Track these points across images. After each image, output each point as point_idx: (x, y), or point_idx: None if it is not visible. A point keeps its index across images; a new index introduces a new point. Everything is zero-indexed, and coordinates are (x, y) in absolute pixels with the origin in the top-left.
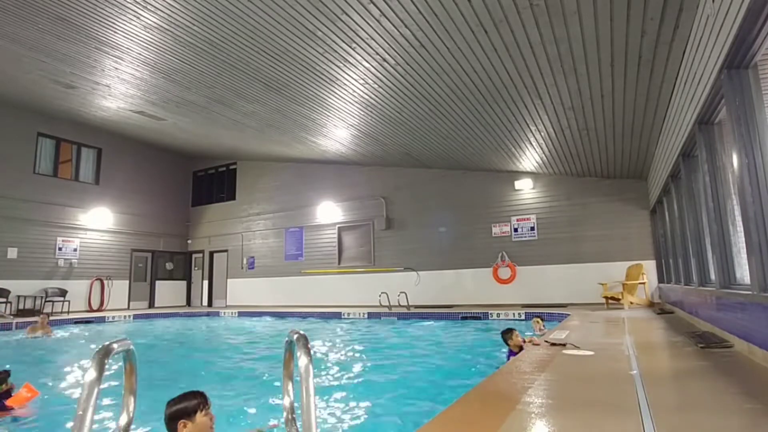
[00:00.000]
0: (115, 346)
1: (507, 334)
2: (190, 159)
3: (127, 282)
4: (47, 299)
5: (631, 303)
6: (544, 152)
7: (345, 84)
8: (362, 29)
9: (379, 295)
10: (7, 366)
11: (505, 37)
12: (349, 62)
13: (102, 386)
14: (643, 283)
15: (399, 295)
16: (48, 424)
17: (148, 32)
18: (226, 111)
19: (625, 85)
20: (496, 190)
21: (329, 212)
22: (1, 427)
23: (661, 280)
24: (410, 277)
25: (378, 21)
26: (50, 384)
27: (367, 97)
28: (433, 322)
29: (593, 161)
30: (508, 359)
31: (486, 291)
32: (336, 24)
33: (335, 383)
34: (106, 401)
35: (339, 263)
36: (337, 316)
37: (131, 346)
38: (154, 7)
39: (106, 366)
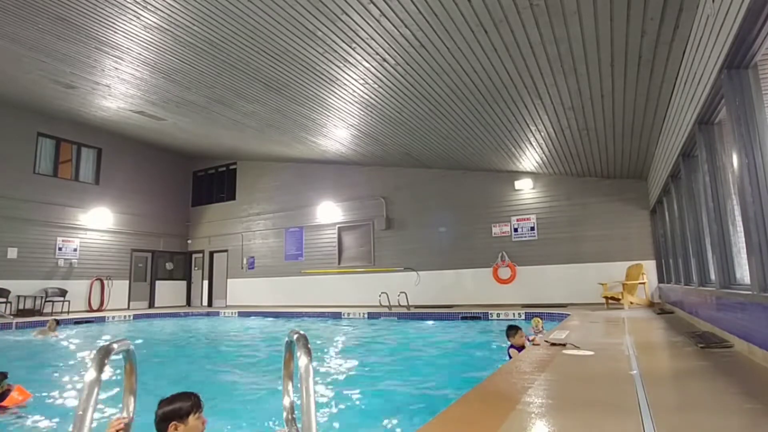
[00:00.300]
0: (115, 346)
1: (512, 330)
2: (190, 159)
3: (127, 282)
4: (47, 299)
5: (631, 303)
6: (544, 152)
7: (345, 84)
8: (362, 29)
9: (379, 295)
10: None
11: (505, 37)
12: (349, 62)
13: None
14: (643, 283)
15: (399, 295)
16: (44, 424)
17: (148, 32)
18: (226, 111)
19: (625, 85)
20: (496, 190)
21: (329, 212)
22: None
23: (661, 280)
24: (410, 277)
25: (378, 21)
26: (49, 384)
27: (367, 97)
28: (433, 322)
29: (593, 161)
30: (509, 355)
31: (486, 291)
32: (336, 24)
33: (335, 383)
34: (106, 402)
35: (339, 263)
36: (337, 316)
37: (131, 346)
38: (154, 7)
39: (106, 366)
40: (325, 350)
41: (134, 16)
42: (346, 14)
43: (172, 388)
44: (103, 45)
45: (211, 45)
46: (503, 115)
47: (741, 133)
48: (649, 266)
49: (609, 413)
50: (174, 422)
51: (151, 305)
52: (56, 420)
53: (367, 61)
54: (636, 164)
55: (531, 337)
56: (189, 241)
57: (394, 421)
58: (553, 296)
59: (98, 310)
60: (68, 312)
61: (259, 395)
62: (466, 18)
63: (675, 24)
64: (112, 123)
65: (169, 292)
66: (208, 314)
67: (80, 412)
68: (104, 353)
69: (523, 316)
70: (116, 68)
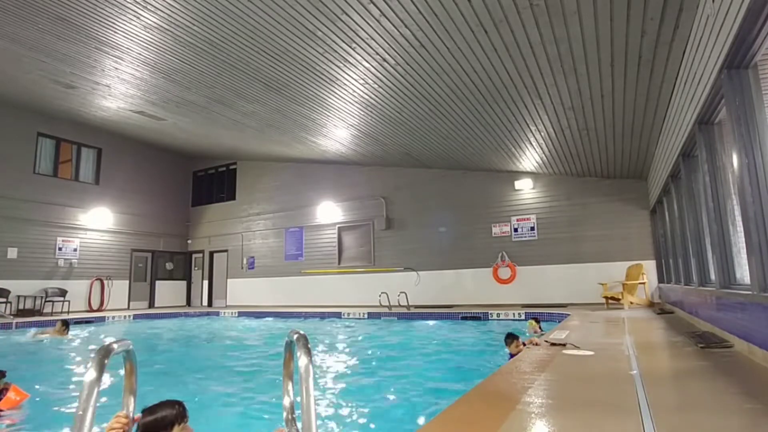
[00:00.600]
0: (115, 346)
1: (509, 339)
2: (190, 159)
3: (127, 282)
4: (47, 299)
5: (631, 303)
6: (544, 152)
7: (345, 84)
8: (362, 29)
9: (379, 295)
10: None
11: (505, 37)
12: (349, 62)
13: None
14: (643, 283)
15: (399, 295)
16: (40, 424)
17: (148, 32)
18: (226, 111)
19: (625, 85)
20: (496, 190)
21: (329, 212)
22: None
23: (661, 280)
24: (410, 277)
25: (378, 21)
26: (48, 385)
27: (367, 97)
28: (433, 322)
29: (593, 161)
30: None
31: (486, 291)
32: (336, 24)
33: (335, 383)
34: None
35: (339, 263)
36: (337, 316)
37: (131, 346)
38: (154, 7)
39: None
40: (325, 350)
41: (134, 16)
42: (346, 14)
43: (172, 388)
44: (103, 45)
45: (211, 45)
46: (503, 115)
47: (741, 133)
48: (649, 266)
49: (609, 413)
50: None
51: (151, 305)
52: (56, 420)
53: (367, 61)
54: (636, 164)
55: (527, 340)
56: (189, 241)
57: (395, 421)
58: (553, 296)
59: (98, 310)
60: (68, 312)
61: (259, 395)
62: (466, 18)
63: (675, 24)
64: (112, 123)
65: (169, 292)
66: (208, 314)
67: (80, 412)
68: (104, 353)
69: (523, 316)
70: (116, 68)
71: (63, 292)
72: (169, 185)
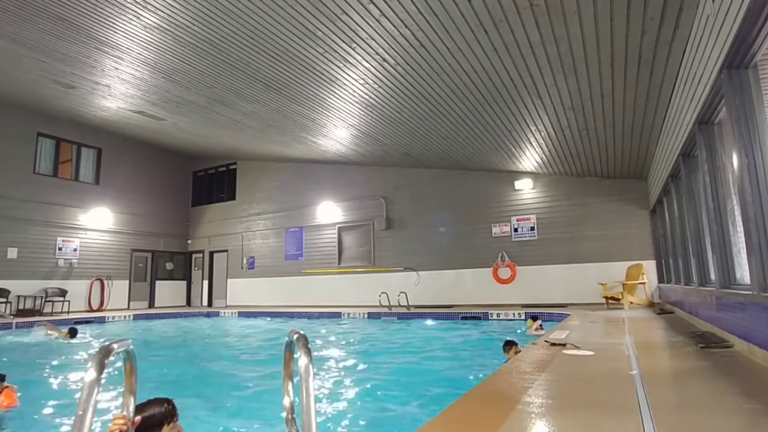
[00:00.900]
0: (115, 346)
1: (508, 346)
2: (190, 159)
3: (127, 282)
4: (47, 299)
5: (631, 303)
6: (544, 152)
7: (345, 84)
8: (362, 29)
9: (379, 295)
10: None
11: (505, 37)
12: (349, 62)
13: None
14: (643, 283)
15: (399, 295)
16: (40, 424)
17: (148, 32)
18: (226, 111)
19: (625, 85)
20: (496, 190)
21: (329, 212)
22: None
23: (661, 280)
24: (410, 277)
25: (378, 21)
26: (47, 384)
27: (367, 97)
28: (433, 322)
29: (593, 161)
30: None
31: (486, 291)
32: (336, 24)
33: (335, 383)
34: (106, 401)
35: (339, 263)
36: (337, 316)
37: (131, 346)
38: (154, 7)
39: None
40: (325, 350)
41: (134, 16)
42: (346, 14)
43: (172, 388)
44: (103, 45)
45: (211, 45)
46: (503, 115)
47: (741, 133)
48: (649, 266)
49: (609, 413)
50: None
51: (151, 305)
52: (56, 420)
53: (367, 61)
54: (636, 164)
55: (530, 331)
56: (189, 241)
57: (394, 421)
58: (553, 296)
59: (98, 310)
60: (68, 312)
61: (259, 395)
62: (466, 18)
63: (675, 24)
64: (112, 123)
65: (169, 292)
66: (208, 314)
67: (80, 412)
68: (104, 353)
69: (523, 316)
70: (116, 68)
71: (63, 292)
72: (169, 185)
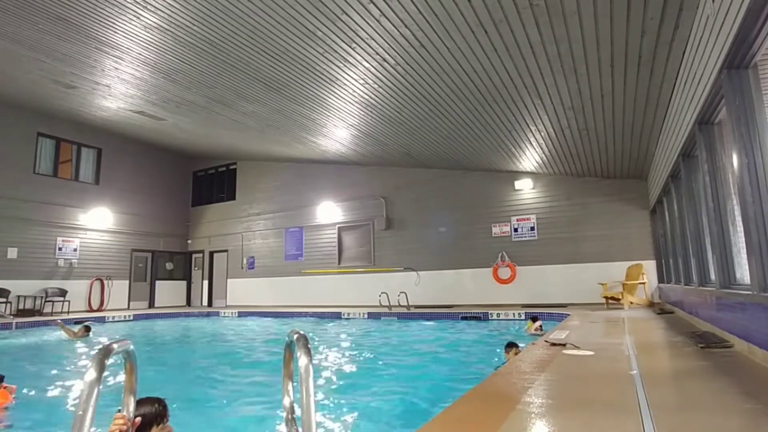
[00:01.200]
0: (115, 346)
1: (509, 347)
2: (190, 159)
3: (127, 282)
4: (47, 299)
5: (631, 303)
6: (544, 152)
7: (345, 84)
8: (362, 29)
9: (379, 295)
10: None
11: (505, 37)
12: (349, 62)
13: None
14: (643, 283)
15: (399, 295)
16: (39, 424)
17: (148, 32)
18: (226, 111)
19: (625, 85)
20: (496, 190)
21: (329, 212)
22: None
23: (661, 280)
24: (410, 277)
25: (378, 21)
26: (46, 384)
27: (367, 97)
28: (433, 322)
29: (593, 161)
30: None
31: (486, 291)
32: (336, 24)
33: (335, 383)
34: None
35: (339, 263)
36: (337, 316)
37: (131, 346)
38: (154, 7)
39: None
40: (325, 350)
41: (134, 16)
42: (346, 14)
43: (171, 388)
44: (103, 45)
45: (211, 45)
46: (503, 115)
47: (741, 133)
48: (649, 266)
49: (609, 413)
50: None
51: (151, 305)
52: (56, 420)
53: (367, 61)
54: (636, 164)
55: (529, 331)
56: (189, 241)
57: (395, 421)
58: (553, 296)
59: (98, 310)
60: (68, 312)
61: (259, 395)
62: (466, 18)
63: (675, 24)
64: (112, 123)
65: (169, 292)
66: (208, 314)
67: (80, 412)
68: (104, 353)
69: (523, 316)
70: (116, 68)
71: (63, 292)
72: (169, 185)
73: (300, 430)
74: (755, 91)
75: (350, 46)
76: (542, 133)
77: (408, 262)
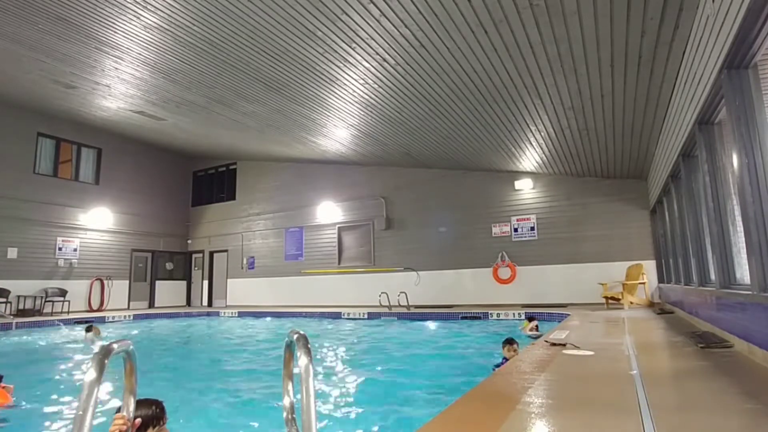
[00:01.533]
0: (115, 346)
1: (505, 343)
2: (190, 159)
3: (127, 282)
4: (47, 299)
5: (631, 303)
6: (544, 152)
7: (345, 84)
8: (362, 29)
9: (379, 295)
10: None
11: (505, 37)
12: (349, 62)
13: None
14: (643, 283)
15: (399, 295)
16: (39, 424)
17: (148, 32)
18: (226, 111)
19: (625, 85)
20: (496, 190)
21: (329, 212)
22: None
23: (661, 280)
24: (410, 277)
25: (378, 21)
26: (47, 384)
27: (367, 97)
28: (433, 322)
29: (593, 161)
30: (503, 363)
31: (486, 291)
32: (336, 24)
33: (335, 383)
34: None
35: (339, 263)
36: (337, 316)
37: (131, 347)
38: (154, 7)
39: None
40: (325, 350)
41: (134, 16)
42: (346, 14)
43: (172, 388)
44: (103, 45)
45: (211, 45)
46: (503, 115)
47: (741, 133)
48: (649, 266)
49: (609, 413)
50: None
51: (151, 305)
52: (55, 420)
53: (367, 61)
54: (636, 164)
55: (524, 329)
56: (189, 241)
57: (395, 421)
58: (553, 296)
59: (98, 310)
60: (68, 312)
61: (259, 395)
62: (466, 18)
63: (675, 24)
64: (112, 123)
65: (169, 292)
66: (208, 314)
67: (80, 413)
68: (104, 353)
69: (522, 317)
70: (116, 68)
71: (63, 292)
72: (169, 185)
73: (300, 430)
74: (755, 91)
75: (350, 46)
76: (542, 133)
77: (408, 262)
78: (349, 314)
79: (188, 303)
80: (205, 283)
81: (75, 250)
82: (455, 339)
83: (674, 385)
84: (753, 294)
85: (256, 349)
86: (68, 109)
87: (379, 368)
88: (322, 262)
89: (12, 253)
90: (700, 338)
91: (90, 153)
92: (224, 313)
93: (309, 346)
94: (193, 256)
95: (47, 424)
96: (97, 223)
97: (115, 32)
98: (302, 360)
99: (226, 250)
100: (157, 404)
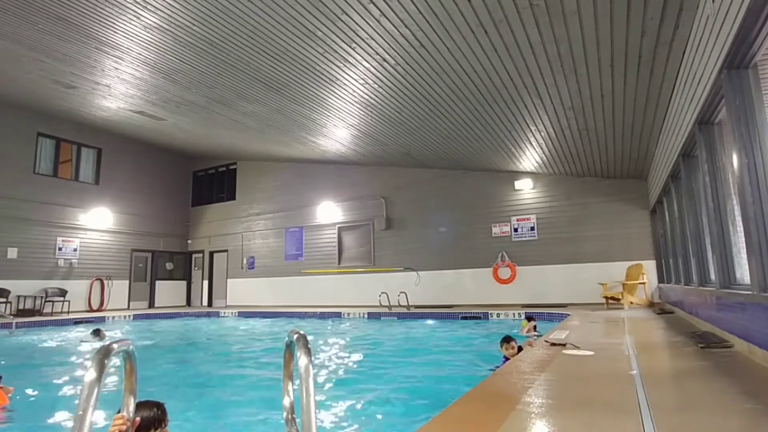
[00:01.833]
0: (115, 346)
1: (503, 341)
2: (190, 159)
3: (127, 282)
4: (47, 299)
5: (631, 303)
6: (544, 152)
7: (345, 84)
8: (362, 29)
9: (379, 295)
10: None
11: (505, 37)
12: (349, 62)
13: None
14: (643, 283)
15: (399, 295)
16: (38, 424)
17: (148, 32)
18: (226, 111)
19: (625, 85)
20: (496, 190)
21: (329, 212)
22: None
23: (661, 280)
24: (410, 277)
25: (378, 21)
26: (48, 384)
27: (367, 97)
28: (433, 322)
29: (593, 161)
30: (503, 363)
31: (486, 291)
32: (336, 24)
33: (335, 383)
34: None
35: (339, 263)
36: (337, 316)
37: (131, 346)
38: (154, 7)
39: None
40: (325, 350)
41: (134, 16)
42: (346, 14)
43: (172, 388)
44: (103, 45)
45: (211, 45)
46: (503, 115)
47: (741, 133)
48: (649, 266)
49: (609, 413)
50: None
51: (151, 305)
52: (55, 420)
53: (367, 61)
54: (636, 164)
55: (525, 342)
56: (189, 241)
57: (394, 421)
58: (553, 296)
59: (98, 310)
60: (68, 312)
61: (259, 395)
62: (466, 18)
63: (675, 24)
64: (112, 123)
65: (169, 292)
66: (208, 314)
67: (80, 413)
68: (104, 353)
69: (522, 317)
70: (116, 68)
71: (63, 292)
72: (169, 185)
73: (300, 430)
74: (755, 91)
75: (350, 46)
76: (542, 133)
77: (408, 262)
78: (349, 314)
79: (188, 303)
80: (205, 283)
81: (75, 250)
82: (455, 339)
83: (674, 385)
84: (753, 294)
85: (255, 349)
86: (68, 109)
87: (378, 368)
88: (322, 262)
89: (12, 253)
90: (700, 338)
91: (90, 153)
92: (224, 313)
93: (309, 346)
94: (193, 256)
95: (47, 424)
96: (97, 223)
97: (115, 32)
98: (302, 360)
99: (226, 250)
100: (159, 406)
